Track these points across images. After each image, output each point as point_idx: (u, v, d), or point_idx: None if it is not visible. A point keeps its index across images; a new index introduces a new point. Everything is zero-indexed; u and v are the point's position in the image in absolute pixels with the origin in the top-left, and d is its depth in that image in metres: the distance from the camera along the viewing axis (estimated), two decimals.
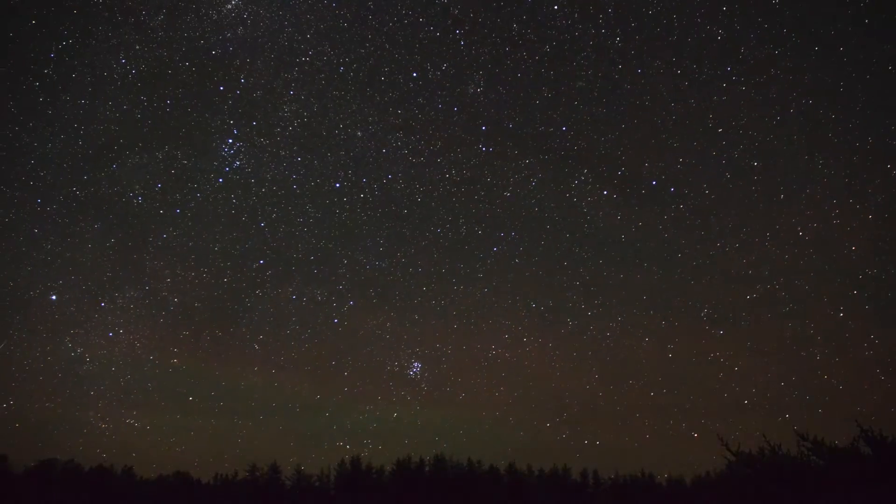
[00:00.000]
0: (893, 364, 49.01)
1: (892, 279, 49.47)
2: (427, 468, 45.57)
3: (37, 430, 54.25)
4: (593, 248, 57.93)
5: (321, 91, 54.18)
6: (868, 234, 50.07)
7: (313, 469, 46.65)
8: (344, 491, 44.45)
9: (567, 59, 53.15)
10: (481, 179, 56.15)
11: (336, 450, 56.58)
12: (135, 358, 55.95)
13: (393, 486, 44.77)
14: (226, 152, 52.86)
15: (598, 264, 57.55)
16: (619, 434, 57.75)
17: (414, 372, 57.70)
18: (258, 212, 55.82)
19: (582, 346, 58.73)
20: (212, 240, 55.78)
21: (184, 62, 50.91)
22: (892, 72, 47.77)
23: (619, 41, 51.85)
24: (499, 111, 55.26)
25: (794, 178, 52.39)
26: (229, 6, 50.66)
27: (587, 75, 53.39)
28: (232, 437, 58.42)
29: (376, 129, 54.34)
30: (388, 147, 54.47)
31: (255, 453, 61.21)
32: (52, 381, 54.13)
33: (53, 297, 52.71)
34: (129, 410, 55.84)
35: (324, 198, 55.75)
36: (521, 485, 46.34)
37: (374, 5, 52.05)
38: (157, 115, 51.96)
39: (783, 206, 52.82)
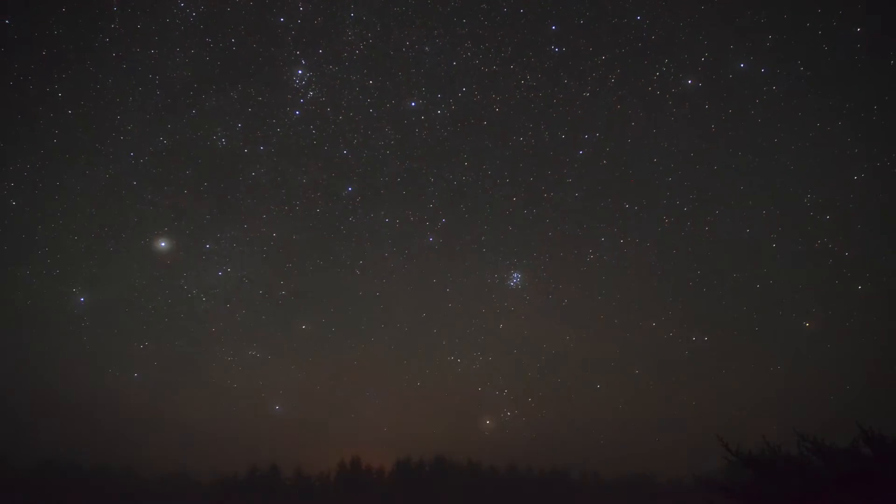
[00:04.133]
0: None
1: None
2: (427, 468, 45.62)
3: (175, 366, 58.90)
4: (683, 141, 53.51)
5: (381, 9, 51.36)
6: None
7: (313, 469, 46.90)
8: (344, 491, 44.49)
9: None
10: (558, 81, 52.28)
11: (449, 364, 58.49)
12: (246, 293, 58.93)
13: (393, 486, 44.84)
14: (298, 84, 52.75)
15: (689, 157, 53.72)
16: (726, 331, 56.24)
17: (514, 282, 57.77)
18: (339, 140, 55.75)
19: (681, 242, 55.60)
20: (298, 172, 56.90)
21: None
22: None
23: None
24: (567, 7, 50.86)
25: None
26: None
27: None
28: (349, 362, 60.88)
29: (444, 42, 51.58)
30: (458, 59, 51.60)
31: (371, 376, 63.38)
32: (177, 321, 58.36)
33: (163, 244, 55.86)
34: (248, 343, 59.59)
35: (401, 118, 54.17)
36: (521, 485, 46.37)
37: None
38: (225, 55, 51.95)
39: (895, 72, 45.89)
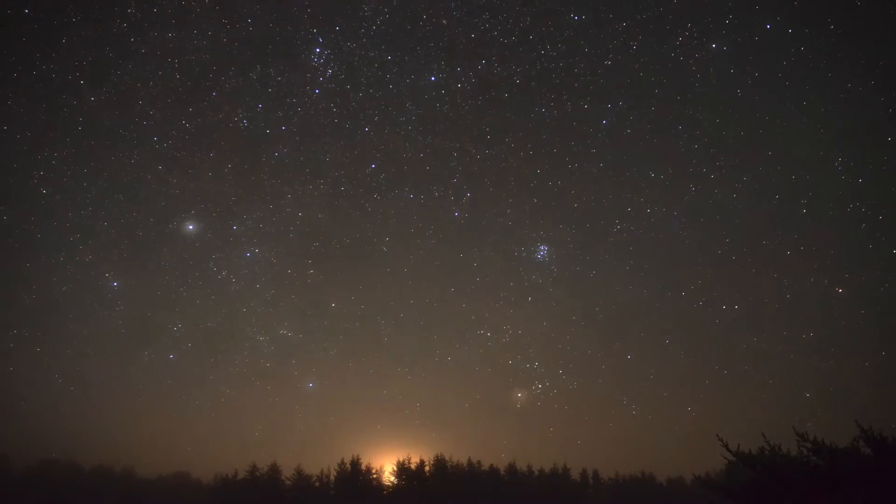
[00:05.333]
0: None
1: None
2: (427, 468, 45.51)
3: (206, 346, 61.95)
4: (707, 107, 52.30)
5: None
6: None
7: (313, 469, 46.88)
8: (344, 491, 44.39)
9: None
10: (579, 51, 51.80)
11: (478, 338, 58.90)
12: (274, 273, 60.35)
13: (392, 486, 44.77)
14: (316, 62, 52.32)
15: (714, 124, 52.49)
16: (757, 298, 56.34)
17: (542, 255, 57.75)
18: (360, 117, 55.40)
19: (708, 210, 55.44)
20: (321, 151, 57.33)
21: None
22: None
23: None
24: None
25: None
26: None
27: None
28: (379, 339, 62.31)
29: (461, 14, 51.06)
30: (477, 31, 51.03)
31: (401, 352, 64.99)
32: (208, 303, 60.30)
33: (190, 227, 56.99)
34: (280, 322, 61.94)
35: (421, 93, 54.47)
36: (520, 484, 46.26)
37: None
38: (242, 36, 51.60)
39: None
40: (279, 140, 56.22)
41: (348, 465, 45.46)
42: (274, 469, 46.19)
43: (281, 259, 59.70)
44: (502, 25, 50.83)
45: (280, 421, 63.39)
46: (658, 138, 54.74)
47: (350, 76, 53.84)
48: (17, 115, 51.69)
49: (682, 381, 60.63)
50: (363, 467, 45.41)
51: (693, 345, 61.06)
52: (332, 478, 45.65)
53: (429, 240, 59.62)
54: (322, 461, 48.52)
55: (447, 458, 46.10)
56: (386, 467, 45.96)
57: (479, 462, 46.87)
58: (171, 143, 54.82)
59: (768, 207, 54.23)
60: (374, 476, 45.41)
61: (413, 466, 45.13)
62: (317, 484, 45.64)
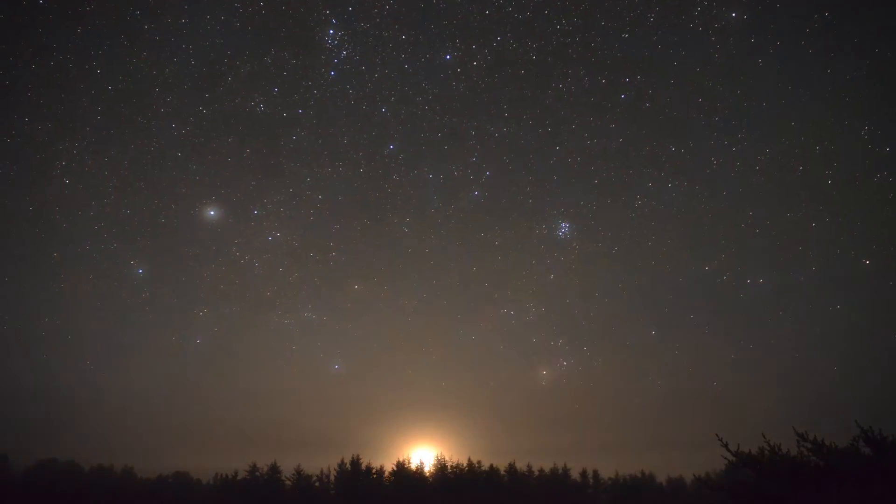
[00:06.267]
0: None
1: None
2: (427, 468, 45.55)
3: (229, 331, 62.86)
4: (728, 79, 50.63)
5: None
6: None
7: (313, 469, 46.85)
8: (344, 491, 44.39)
9: None
10: (595, 24, 50.32)
11: (502, 317, 60.19)
12: (297, 256, 60.81)
13: (392, 486, 44.74)
14: (330, 44, 51.75)
15: (735, 96, 51.15)
16: (782, 271, 55.99)
17: (563, 232, 57.45)
18: (377, 98, 55.24)
19: (730, 183, 54.61)
20: (339, 133, 57.42)
21: None
22: None
23: None
24: None
25: None
26: None
27: None
28: (403, 320, 63.71)
29: None
30: (491, 7, 49.79)
31: (425, 332, 65.27)
32: (232, 287, 61.51)
33: (212, 213, 57.52)
34: (304, 305, 62.64)
35: (437, 72, 53.65)
36: (521, 484, 46.24)
37: None
38: (255, 20, 50.92)
39: None
40: (296, 123, 56.34)
41: (348, 465, 45.45)
42: (274, 469, 46.18)
43: (302, 242, 60.00)
44: (517, 1, 49.57)
45: (307, 401, 64.02)
46: (678, 111, 53.60)
47: (365, 57, 53.30)
48: (37, 106, 52.12)
49: (707, 356, 60.66)
50: (363, 467, 45.42)
51: (718, 320, 61.03)
52: (332, 478, 45.66)
53: (449, 219, 59.69)
54: (349, 445, 48.47)
55: (447, 459, 46.26)
56: (387, 467, 46.00)
57: (479, 462, 46.89)
58: (189, 130, 55.05)
59: (792, 179, 53.13)
60: (374, 476, 45.40)
61: (413, 467, 45.19)
62: (317, 484, 45.64)
